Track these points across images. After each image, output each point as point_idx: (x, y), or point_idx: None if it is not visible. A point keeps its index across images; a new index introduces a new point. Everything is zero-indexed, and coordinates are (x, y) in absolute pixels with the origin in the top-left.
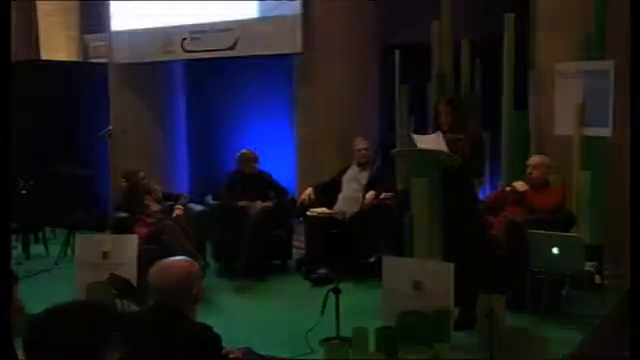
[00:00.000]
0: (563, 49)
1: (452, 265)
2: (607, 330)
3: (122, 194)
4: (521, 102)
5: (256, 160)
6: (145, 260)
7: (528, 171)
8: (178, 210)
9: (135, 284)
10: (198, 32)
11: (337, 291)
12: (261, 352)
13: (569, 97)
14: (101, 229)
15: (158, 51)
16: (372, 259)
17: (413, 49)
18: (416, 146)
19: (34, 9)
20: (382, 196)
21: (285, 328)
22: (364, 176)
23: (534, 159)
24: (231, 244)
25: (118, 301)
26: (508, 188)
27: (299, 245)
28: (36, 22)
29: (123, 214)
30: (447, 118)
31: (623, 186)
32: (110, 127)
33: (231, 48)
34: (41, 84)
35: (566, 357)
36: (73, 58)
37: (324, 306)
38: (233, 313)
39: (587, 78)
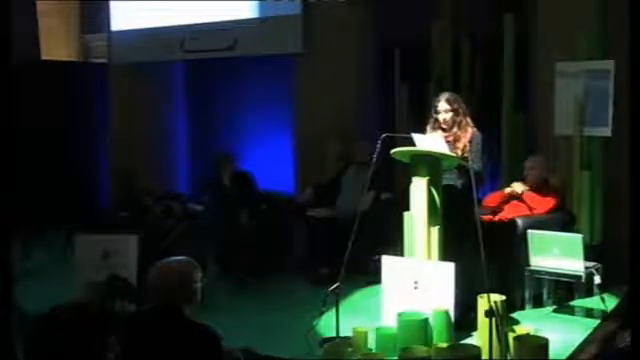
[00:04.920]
0: (563, 49)
1: (452, 265)
2: (607, 331)
3: (122, 194)
4: (521, 102)
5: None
6: (145, 260)
7: (525, 172)
8: None
9: (135, 284)
10: (198, 32)
11: (337, 291)
12: (261, 352)
13: (569, 97)
14: (101, 229)
15: (158, 51)
16: (376, 257)
17: (413, 49)
18: (416, 146)
19: (34, 9)
20: (382, 196)
21: (285, 328)
22: (364, 176)
23: (531, 160)
24: (231, 244)
25: (118, 301)
26: (508, 190)
27: (299, 245)
28: (36, 22)
29: (123, 214)
30: (447, 117)
31: (623, 186)
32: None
33: (231, 48)
34: (41, 84)
35: (567, 358)
36: (73, 58)
37: (324, 306)
38: (233, 313)
39: (587, 78)
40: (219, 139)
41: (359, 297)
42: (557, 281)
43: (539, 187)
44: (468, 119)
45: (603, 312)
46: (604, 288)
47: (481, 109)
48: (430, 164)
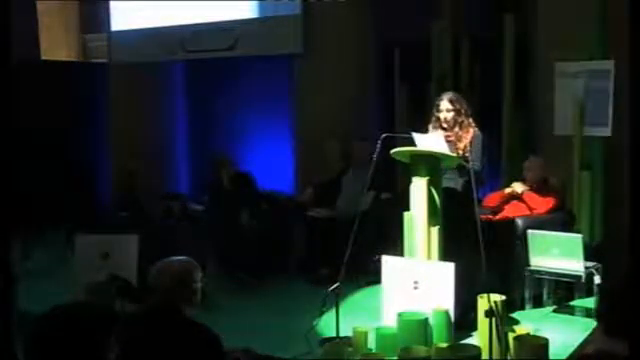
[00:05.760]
0: (563, 49)
1: (452, 265)
2: (606, 330)
3: (122, 194)
4: (521, 102)
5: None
6: (145, 260)
7: (524, 172)
8: None
9: (135, 284)
10: (198, 32)
11: (337, 291)
12: (261, 352)
13: (569, 97)
14: (101, 229)
15: (158, 51)
16: (376, 257)
17: (413, 48)
18: (416, 146)
19: (34, 9)
20: (382, 196)
21: (285, 328)
22: (364, 176)
23: (530, 160)
24: (231, 244)
25: (118, 301)
26: (508, 190)
27: (299, 245)
28: (36, 22)
29: (123, 214)
30: (448, 117)
31: (623, 186)
32: None
33: (231, 48)
34: (41, 84)
35: (567, 358)
36: (73, 58)
37: (324, 306)
38: (233, 313)
39: (587, 78)
40: (219, 139)
41: (359, 297)
42: (557, 281)
43: (539, 187)
44: (470, 119)
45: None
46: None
47: (481, 109)
48: (430, 164)
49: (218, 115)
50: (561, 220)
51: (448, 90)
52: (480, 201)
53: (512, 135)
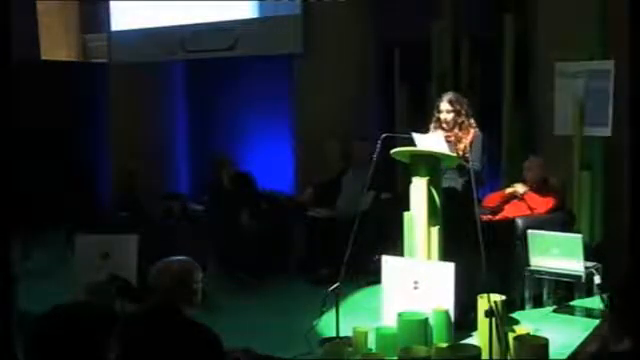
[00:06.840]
0: (563, 49)
1: (452, 265)
2: (606, 330)
3: (122, 194)
4: (521, 102)
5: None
6: (145, 260)
7: (524, 172)
8: None
9: (135, 284)
10: (198, 32)
11: (337, 291)
12: (261, 352)
13: (569, 97)
14: (101, 229)
15: (158, 51)
16: (376, 257)
17: (413, 48)
18: (416, 146)
19: (34, 9)
20: (382, 196)
21: (285, 328)
22: (364, 176)
23: (530, 160)
24: (232, 244)
25: (118, 301)
26: (508, 190)
27: (299, 245)
28: (36, 22)
29: (123, 214)
30: (448, 118)
31: (623, 186)
32: None
33: (231, 48)
34: (41, 84)
35: (567, 358)
36: (73, 58)
37: (324, 306)
38: (233, 313)
39: (587, 78)
40: (219, 139)
41: (359, 297)
42: (557, 281)
43: (539, 187)
44: (471, 120)
45: (603, 312)
46: (604, 288)
47: (481, 109)
48: (430, 164)
49: (218, 115)
50: (561, 220)
51: (448, 90)
52: (480, 201)
53: (512, 135)
